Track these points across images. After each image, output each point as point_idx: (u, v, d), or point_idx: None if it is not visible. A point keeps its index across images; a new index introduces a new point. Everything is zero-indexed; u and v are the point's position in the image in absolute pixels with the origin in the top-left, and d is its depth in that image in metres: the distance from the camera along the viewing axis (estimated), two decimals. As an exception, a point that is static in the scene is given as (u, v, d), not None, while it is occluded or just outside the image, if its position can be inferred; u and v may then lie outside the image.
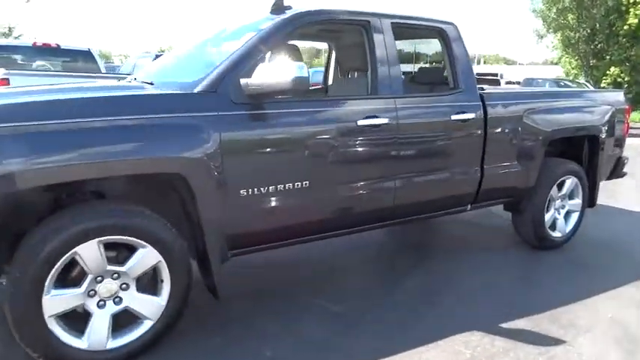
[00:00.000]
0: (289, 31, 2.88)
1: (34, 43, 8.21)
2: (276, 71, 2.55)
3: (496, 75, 29.27)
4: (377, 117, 3.06)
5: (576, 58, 26.98)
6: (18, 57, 8.11)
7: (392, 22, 3.28)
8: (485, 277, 3.68)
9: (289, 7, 3.10)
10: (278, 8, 3.11)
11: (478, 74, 25.54)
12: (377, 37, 3.19)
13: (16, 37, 26.24)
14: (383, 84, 3.17)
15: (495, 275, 3.73)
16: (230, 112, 2.57)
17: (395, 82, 3.21)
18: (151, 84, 2.92)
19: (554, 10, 25.97)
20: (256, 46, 2.74)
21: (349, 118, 2.98)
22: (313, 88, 4.61)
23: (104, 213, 2.30)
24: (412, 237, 4.64)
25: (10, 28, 32.16)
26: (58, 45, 8.27)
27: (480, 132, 3.59)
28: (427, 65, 4.68)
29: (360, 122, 2.99)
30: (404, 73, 4.52)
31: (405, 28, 3.49)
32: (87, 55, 8.44)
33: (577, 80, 24.59)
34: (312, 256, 3.98)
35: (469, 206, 3.81)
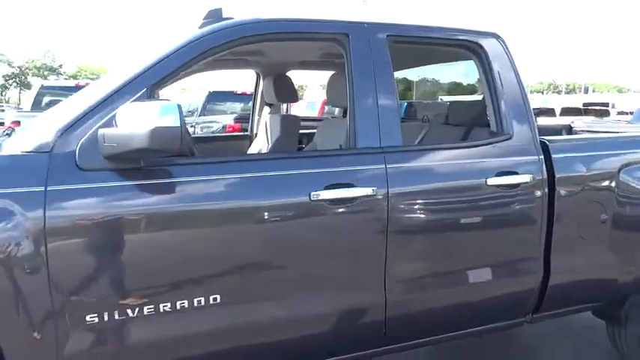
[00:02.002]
0: (202, 52, 1.82)
1: (77, 83, 8.07)
2: (135, 118, 1.50)
3: (606, 105, 25.95)
4: (350, 186, 1.89)
5: None
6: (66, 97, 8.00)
7: (388, 36, 2.11)
8: None
9: (229, 19, 2.07)
10: (211, 20, 2.09)
11: (585, 104, 22.85)
12: (360, 59, 2.04)
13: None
14: (367, 131, 1.99)
15: None
16: (68, 186, 1.55)
17: (388, 128, 2.02)
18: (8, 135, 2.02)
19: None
20: (139, 80, 1.71)
21: (299, 189, 1.84)
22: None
23: None
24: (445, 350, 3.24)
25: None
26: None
27: (541, 203, 2.24)
28: (453, 98, 3.35)
29: (319, 195, 1.83)
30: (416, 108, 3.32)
31: (413, 44, 2.30)
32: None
33: None
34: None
35: (529, 316, 2.42)
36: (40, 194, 1.51)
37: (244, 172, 1.78)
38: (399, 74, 4.10)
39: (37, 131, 1.69)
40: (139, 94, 1.68)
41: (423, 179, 2.04)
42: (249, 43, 1.98)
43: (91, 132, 1.60)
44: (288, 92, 3.15)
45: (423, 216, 2.04)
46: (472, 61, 2.40)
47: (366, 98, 2.01)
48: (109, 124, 1.61)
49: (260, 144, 3.36)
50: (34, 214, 1.50)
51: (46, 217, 1.50)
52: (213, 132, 9.08)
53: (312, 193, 1.82)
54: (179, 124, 1.48)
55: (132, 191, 1.62)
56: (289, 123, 3.12)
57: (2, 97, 39.97)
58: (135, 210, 1.63)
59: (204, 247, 1.72)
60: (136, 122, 1.48)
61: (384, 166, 1.95)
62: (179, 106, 1.50)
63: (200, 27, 2.09)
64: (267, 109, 3.50)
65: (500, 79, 2.28)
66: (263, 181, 1.80)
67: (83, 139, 1.59)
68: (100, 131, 1.58)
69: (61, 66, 42.72)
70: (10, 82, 40.91)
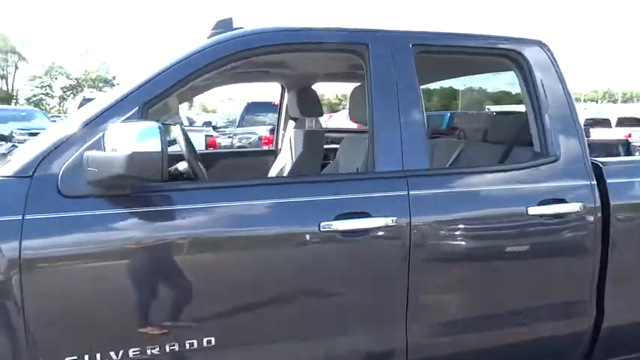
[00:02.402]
0: (203, 66, 1.66)
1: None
2: (117, 141, 1.35)
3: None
4: (366, 215, 1.66)
5: None
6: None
7: (414, 46, 1.88)
8: None
9: (238, 29, 1.91)
10: (220, 31, 1.94)
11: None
12: (381, 72, 1.81)
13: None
14: (387, 152, 1.77)
15: None
16: (47, 215, 1.42)
17: (412, 149, 1.78)
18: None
19: None
20: (130, 98, 1.56)
21: (307, 218, 1.63)
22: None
23: None
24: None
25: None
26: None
27: (592, 235, 1.93)
28: (501, 108, 3.04)
29: (329, 226, 1.61)
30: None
31: (443, 55, 2.05)
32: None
33: None
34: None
35: (579, 365, 2.11)
36: (17, 224, 1.38)
37: (243, 199, 1.59)
38: (441, 83, 3.82)
39: (23, 153, 1.57)
40: (130, 113, 1.52)
41: (452, 207, 1.79)
42: (256, 55, 1.81)
43: (75, 155, 1.46)
44: (312, 106, 2.96)
45: (451, 250, 1.78)
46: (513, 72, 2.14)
47: (387, 115, 1.79)
48: (96, 146, 1.47)
49: (284, 160, 3.18)
50: (9, 245, 1.36)
51: (21, 250, 1.37)
52: (250, 143, 9.06)
53: (322, 223, 1.60)
54: (160, 149, 1.32)
55: (118, 220, 1.47)
56: (313, 138, 2.93)
57: (60, 108, 42.02)
58: (121, 242, 1.47)
59: (196, 283, 1.54)
60: (116, 145, 1.33)
61: (406, 192, 1.72)
62: (160, 129, 1.34)
63: (208, 38, 1.94)
64: (292, 123, 3.33)
65: (545, 92, 2.00)
66: (265, 209, 1.60)
67: (67, 162, 1.46)
68: (86, 154, 1.43)
69: (114, 77, 44.54)
70: (68, 93, 42.95)
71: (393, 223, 1.67)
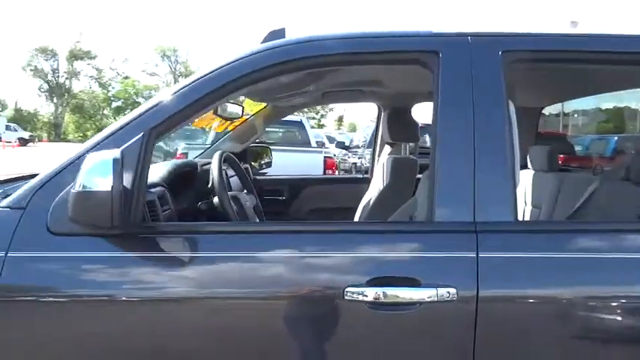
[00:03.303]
0: (239, 76, 1.38)
1: (242, 116, 8.52)
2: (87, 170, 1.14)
3: None
4: (411, 282, 1.22)
5: None
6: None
7: (504, 53, 1.38)
8: None
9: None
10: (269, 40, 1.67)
11: None
12: (452, 88, 1.36)
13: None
14: (451, 195, 1.30)
15: None
16: (30, 253, 1.26)
17: (490, 192, 1.29)
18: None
19: None
20: (135, 123, 1.35)
21: (329, 280, 1.24)
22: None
23: None
24: None
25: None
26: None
27: None
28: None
29: (359, 293, 1.21)
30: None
31: (550, 64, 1.49)
32: (299, 126, 8.29)
33: None
34: None
35: None
36: None
37: (249, 249, 1.27)
38: (615, 99, 3.08)
39: (32, 181, 1.46)
40: (133, 140, 1.31)
41: (543, 279, 1.24)
42: (295, 70, 1.51)
43: (69, 186, 1.30)
44: (403, 130, 2.55)
45: (539, 341, 1.23)
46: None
47: (455, 146, 1.33)
48: None
49: (375, 189, 2.79)
50: None
51: None
52: (377, 163, 8.78)
53: (348, 289, 1.20)
54: (109, 189, 1.07)
55: (106, 265, 1.26)
56: (403, 167, 2.51)
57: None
58: (107, 291, 1.26)
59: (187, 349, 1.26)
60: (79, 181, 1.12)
61: (474, 253, 1.23)
62: (116, 162, 1.09)
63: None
64: (387, 148, 2.94)
65: None
66: (272, 265, 1.26)
67: (61, 194, 1.29)
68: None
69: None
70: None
71: (451, 297, 1.20)
